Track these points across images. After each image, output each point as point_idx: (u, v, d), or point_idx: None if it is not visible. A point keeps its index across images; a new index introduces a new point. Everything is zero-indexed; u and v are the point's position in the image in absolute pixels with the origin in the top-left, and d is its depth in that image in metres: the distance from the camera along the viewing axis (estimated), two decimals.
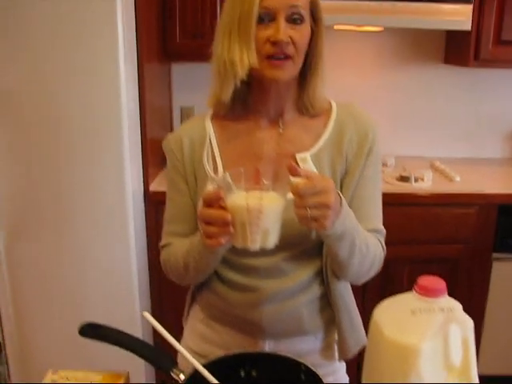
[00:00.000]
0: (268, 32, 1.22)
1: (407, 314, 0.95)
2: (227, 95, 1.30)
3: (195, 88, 3.18)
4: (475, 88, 3.29)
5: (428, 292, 0.95)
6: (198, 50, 2.69)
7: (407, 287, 2.87)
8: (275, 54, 1.22)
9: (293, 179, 1.06)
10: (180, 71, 3.20)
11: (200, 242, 1.21)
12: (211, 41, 2.65)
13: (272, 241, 1.09)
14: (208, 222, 1.11)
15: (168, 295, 2.73)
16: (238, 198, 1.07)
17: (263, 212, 1.05)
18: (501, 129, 3.37)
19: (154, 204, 2.61)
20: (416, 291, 0.97)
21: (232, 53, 1.24)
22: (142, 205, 2.60)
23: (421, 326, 0.93)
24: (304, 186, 1.04)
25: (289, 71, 1.26)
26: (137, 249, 2.49)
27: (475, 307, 2.68)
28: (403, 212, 2.57)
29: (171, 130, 3.25)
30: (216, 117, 1.40)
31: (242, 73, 1.24)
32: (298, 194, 1.04)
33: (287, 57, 1.24)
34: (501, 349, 2.81)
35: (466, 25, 2.70)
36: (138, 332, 2.54)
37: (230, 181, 1.09)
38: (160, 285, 2.73)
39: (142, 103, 2.51)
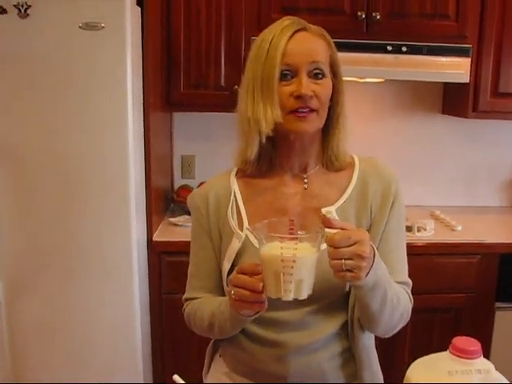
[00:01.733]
0: (291, 87, 1.25)
1: (444, 376, 0.94)
2: (253, 153, 1.32)
3: (196, 137, 3.22)
4: (472, 138, 3.34)
5: (465, 354, 0.94)
6: (201, 99, 2.79)
7: (411, 337, 2.85)
8: (299, 108, 1.24)
9: (327, 230, 1.06)
10: (181, 120, 3.22)
11: (226, 309, 1.22)
12: (214, 92, 2.74)
13: (305, 292, 1.09)
14: (239, 287, 1.13)
15: (169, 343, 2.70)
16: (272, 248, 1.07)
17: (297, 261, 1.05)
18: (498, 178, 3.42)
19: (157, 254, 2.60)
20: (451, 352, 0.96)
21: (256, 111, 1.26)
22: (146, 255, 2.58)
23: None
24: (339, 237, 1.05)
25: (314, 123, 1.28)
26: (140, 298, 2.46)
27: None
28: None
29: (172, 178, 3.26)
30: (241, 173, 1.41)
31: (266, 129, 1.26)
32: (334, 245, 1.05)
33: (311, 110, 1.26)
34: None
35: (465, 77, 2.77)
36: (139, 381, 2.52)
37: (266, 231, 1.09)
38: (162, 335, 2.70)
39: (146, 152, 2.53)
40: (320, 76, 1.27)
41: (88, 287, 2.40)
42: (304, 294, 1.09)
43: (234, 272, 1.17)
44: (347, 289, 1.29)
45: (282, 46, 1.24)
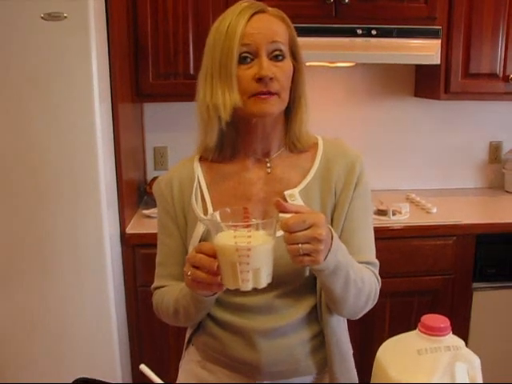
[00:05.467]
0: (252, 70, 1.22)
1: (413, 354, 0.93)
2: (213, 140, 1.31)
3: (168, 128, 3.18)
4: (446, 120, 3.35)
5: (433, 331, 0.93)
6: (170, 89, 2.75)
7: (389, 320, 2.86)
8: (261, 92, 1.22)
9: (282, 215, 1.04)
10: (152, 111, 3.18)
11: (188, 292, 1.21)
12: (184, 81, 2.70)
13: (264, 280, 1.06)
14: (195, 267, 1.10)
15: (146, 336, 2.67)
16: (226, 238, 1.04)
17: (252, 250, 1.02)
18: (472, 159, 3.43)
19: (131, 247, 2.56)
20: (420, 330, 0.95)
21: (214, 96, 1.23)
22: (119, 248, 2.54)
23: (428, 366, 0.91)
24: (294, 221, 1.02)
25: (275, 106, 1.25)
26: (115, 292, 2.43)
27: None
28: (382, 246, 2.52)
29: (145, 170, 3.22)
30: (205, 158, 1.39)
31: (225, 115, 1.23)
32: (288, 230, 1.02)
33: (272, 94, 1.23)
34: (483, 379, 2.80)
35: (435, 59, 2.77)
36: (117, 375, 2.48)
37: (218, 220, 1.07)
38: (139, 328, 2.67)
39: (116, 144, 2.48)
40: (280, 58, 1.25)
41: (62, 283, 2.36)
42: (263, 283, 1.06)
43: (193, 250, 1.13)
44: (307, 273, 1.28)
45: (241, 27, 1.21)
